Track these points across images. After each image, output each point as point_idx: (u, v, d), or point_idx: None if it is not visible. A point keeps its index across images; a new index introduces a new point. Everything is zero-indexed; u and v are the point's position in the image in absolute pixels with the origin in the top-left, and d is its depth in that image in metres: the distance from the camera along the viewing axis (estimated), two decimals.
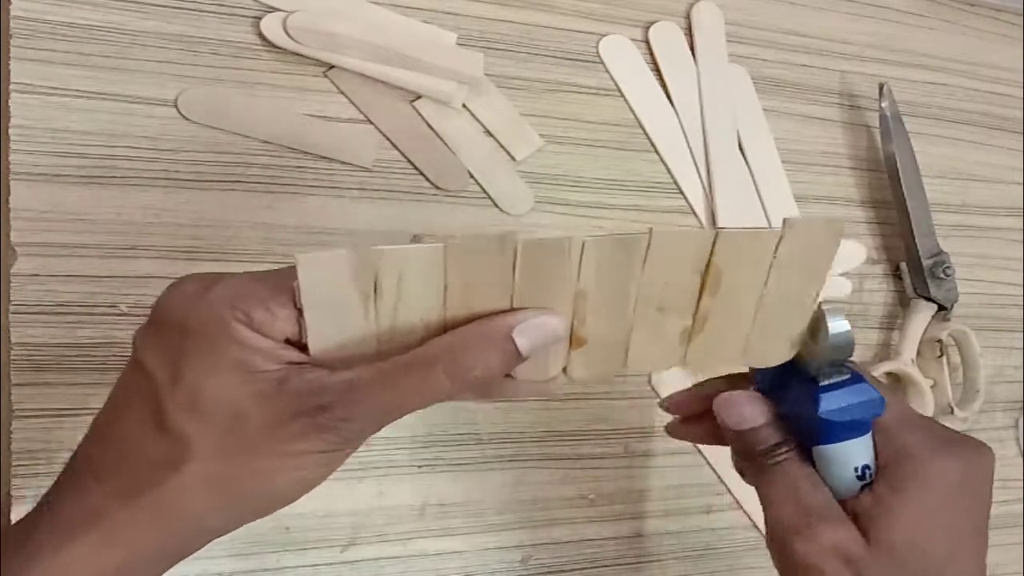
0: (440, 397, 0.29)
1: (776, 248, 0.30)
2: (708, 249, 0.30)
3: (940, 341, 0.56)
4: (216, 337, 0.28)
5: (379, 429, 0.29)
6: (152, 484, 0.28)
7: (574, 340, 0.31)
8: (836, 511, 0.33)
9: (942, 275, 0.56)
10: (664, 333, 0.32)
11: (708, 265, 0.30)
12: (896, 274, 0.58)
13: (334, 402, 0.28)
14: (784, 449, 0.34)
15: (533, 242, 0.28)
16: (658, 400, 0.39)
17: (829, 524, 0.32)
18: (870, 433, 0.33)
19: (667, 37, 0.54)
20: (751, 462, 0.35)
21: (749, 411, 0.34)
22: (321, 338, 0.29)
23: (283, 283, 0.29)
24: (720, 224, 0.52)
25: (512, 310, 0.29)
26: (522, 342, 0.29)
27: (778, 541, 0.33)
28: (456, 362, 0.29)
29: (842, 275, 0.56)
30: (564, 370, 0.32)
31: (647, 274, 0.30)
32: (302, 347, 0.29)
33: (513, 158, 0.49)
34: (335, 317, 0.28)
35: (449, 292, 0.28)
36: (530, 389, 0.32)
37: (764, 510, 0.35)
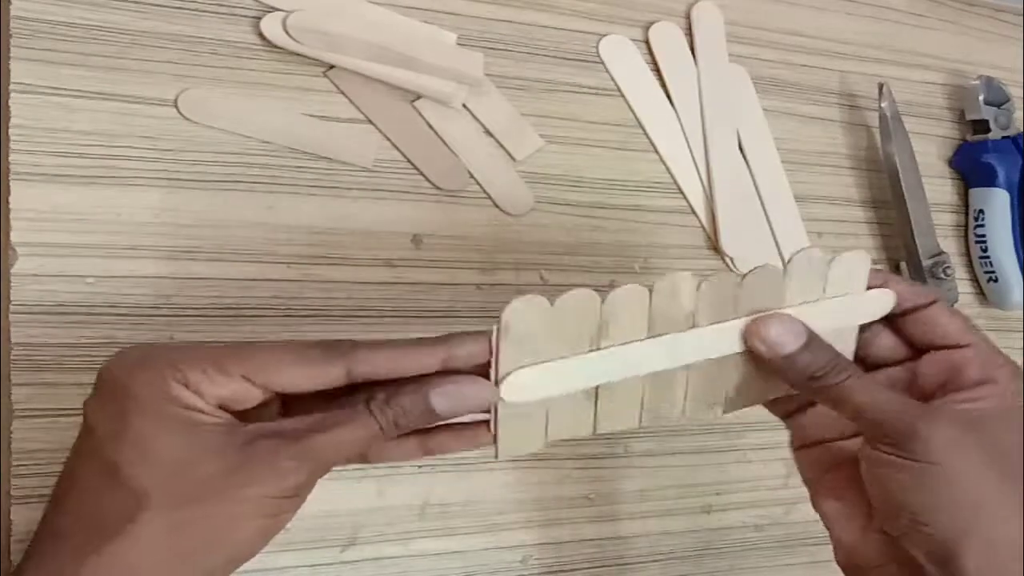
0: (370, 442, 0.32)
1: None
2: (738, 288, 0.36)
3: None
4: (156, 395, 0.29)
5: (326, 471, 0.31)
6: (112, 536, 0.28)
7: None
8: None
9: (942, 275, 0.56)
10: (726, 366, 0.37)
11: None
12: (896, 274, 0.58)
13: (286, 445, 0.30)
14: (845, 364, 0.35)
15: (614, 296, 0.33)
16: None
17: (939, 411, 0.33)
18: None
19: (667, 37, 0.54)
20: (821, 391, 0.35)
21: (783, 330, 0.35)
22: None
23: (223, 354, 0.31)
24: (721, 229, 0.52)
25: (443, 374, 0.32)
26: (438, 403, 0.31)
27: (895, 435, 0.33)
28: (386, 407, 0.31)
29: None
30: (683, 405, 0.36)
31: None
32: (233, 413, 0.31)
33: (513, 158, 0.49)
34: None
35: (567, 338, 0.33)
36: (464, 444, 0.35)
37: (859, 420, 0.34)
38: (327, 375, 0.31)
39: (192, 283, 0.42)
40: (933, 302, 0.36)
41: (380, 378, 0.32)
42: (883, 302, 0.36)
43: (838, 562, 0.36)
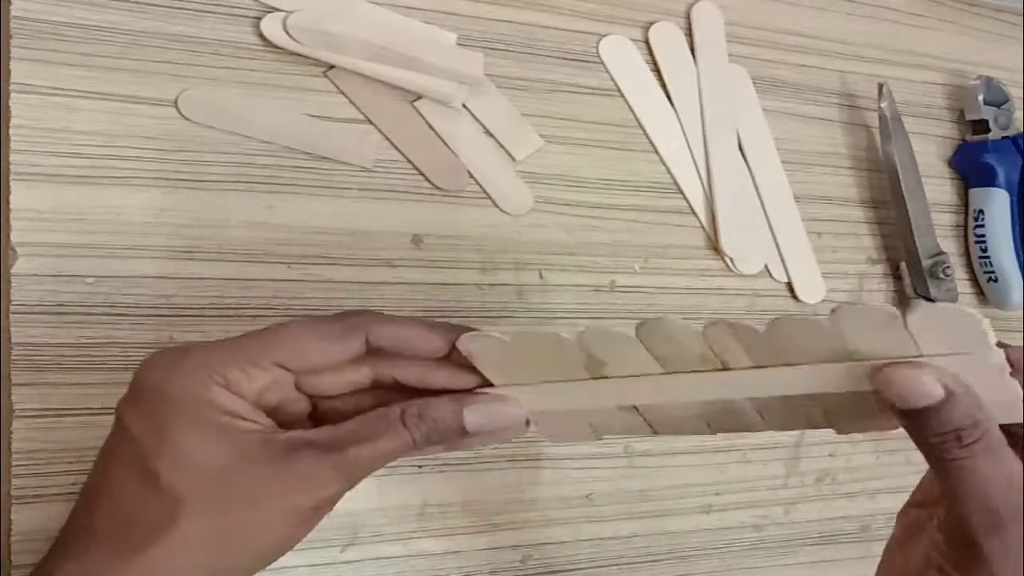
0: (404, 449, 0.32)
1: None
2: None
3: None
4: (196, 400, 0.30)
5: (357, 483, 0.32)
6: (151, 541, 0.29)
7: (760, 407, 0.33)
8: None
9: (942, 275, 0.56)
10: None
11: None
12: (896, 274, 0.58)
13: (323, 455, 0.31)
14: (972, 437, 0.28)
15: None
16: None
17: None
18: None
19: (667, 37, 0.54)
20: (924, 451, 0.29)
21: (924, 381, 0.27)
22: None
23: (253, 346, 0.32)
24: (721, 229, 0.52)
25: (476, 392, 0.34)
26: (470, 420, 0.33)
27: (961, 537, 0.28)
28: (420, 421, 0.32)
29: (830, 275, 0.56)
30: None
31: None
32: (271, 410, 0.32)
33: (513, 158, 0.49)
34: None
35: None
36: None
37: (950, 504, 0.29)
38: (347, 347, 0.32)
39: (192, 283, 0.42)
40: None
41: (392, 351, 0.33)
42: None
43: None
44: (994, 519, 0.27)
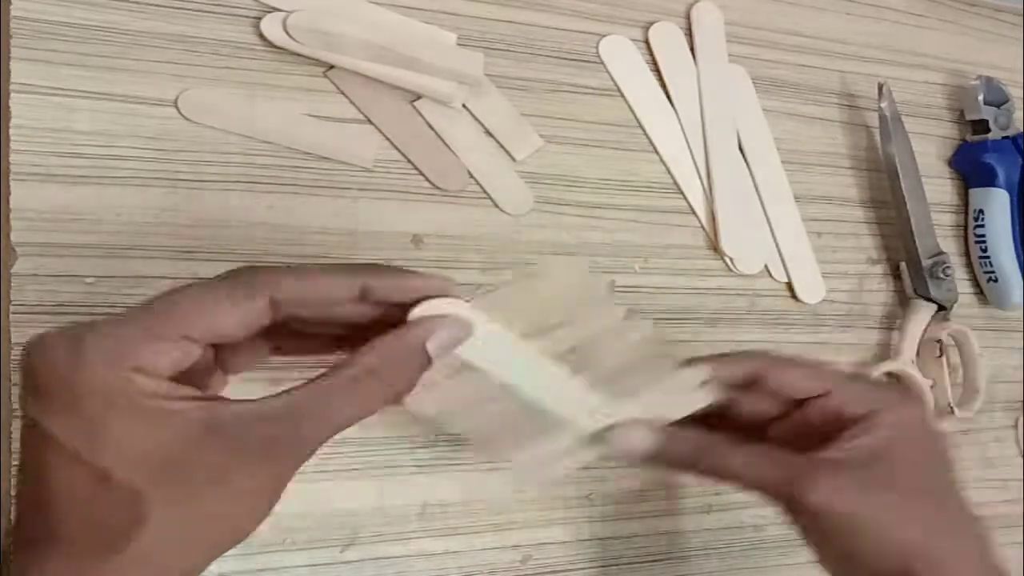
0: (375, 408, 0.30)
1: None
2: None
3: (940, 341, 0.56)
4: (115, 389, 0.27)
5: (320, 445, 0.30)
6: (126, 540, 0.27)
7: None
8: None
9: (942, 275, 0.56)
10: None
11: None
12: (896, 274, 0.58)
13: (277, 429, 0.29)
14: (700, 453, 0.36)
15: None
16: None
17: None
18: None
19: (667, 37, 0.54)
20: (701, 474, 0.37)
21: (633, 437, 0.37)
22: None
23: (156, 321, 0.29)
24: (721, 229, 0.52)
25: (419, 320, 0.32)
26: (432, 347, 0.31)
27: (782, 500, 0.35)
28: (384, 376, 0.30)
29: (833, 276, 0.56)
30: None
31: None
32: (186, 379, 0.29)
33: (513, 158, 0.49)
34: None
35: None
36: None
37: (748, 489, 0.36)
38: (253, 310, 0.30)
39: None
40: (760, 367, 0.37)
41: (304, 309, 0.31)
42: (700, 397, 0.37)
43: None
44: (783, 484, 0.34)
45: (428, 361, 0.31)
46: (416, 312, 0.31)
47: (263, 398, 0.29)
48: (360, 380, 0.30)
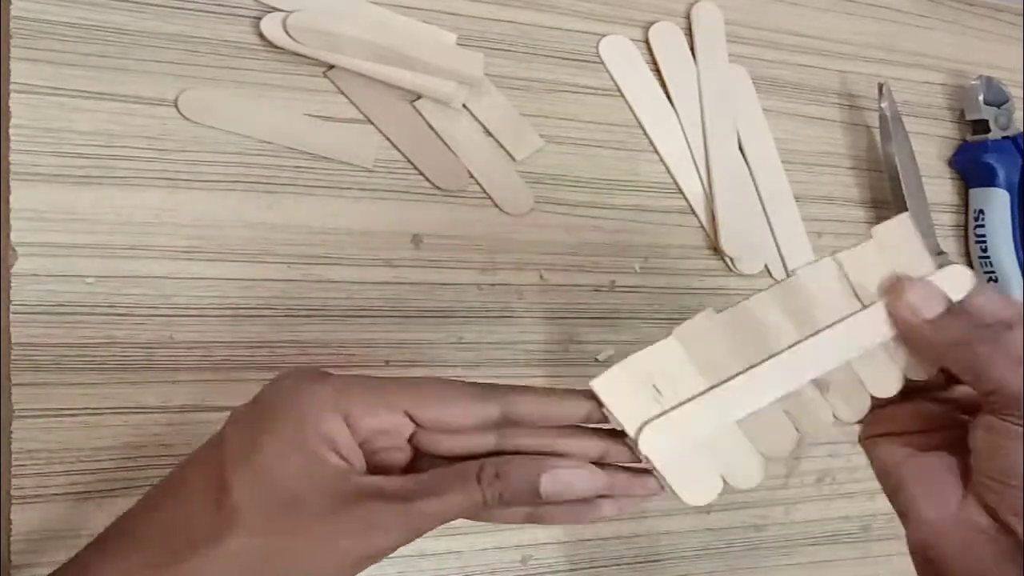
0: (474, 511, 0.31)
1: (883, 253, 0.34)
2: (842, 273, 0.34)
3: None
4: (303, 421, 0.29)
5: (420, 535, 0.31)
6: (193, 552, 0.28)
7: (821, 387, 0.34)
8: None
9: None
10: (876, 356, 0.35)
11: (852, 286, 0.34)
12: None
13: (390, 509, 0.30)
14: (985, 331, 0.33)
15: (729, 315, 0.33)
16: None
17: None
18: None
19: (667, 37, 0.54)
20: (961, 358, 0.33)
21: (926, 295, 0.33)
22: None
23: (392, 389, 0.31)
24: (721, 229, 0.52)
25: (556, 455, 0.32)
26: (546, 484, 0.31)
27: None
28: (496, 480, 0.31)
29: None
30: (833, 412, 0.35)
31: (821, 311, 0.34)
32: (371, 453, 0.31)
33: (513, 158, 0.49)
34: (639, 416, 0.32)
35: (702, 368, 0.33)
36: (575, 518, 0.34)
37: (992, 389, 0.33)
38: (484, 412, 0.32)
39: (192, 283, 0.42)
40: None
41: (530, 422, 0.32)
42: (960, 281, 0.34)
43: (913, 549, 0.36)
44: None
45: (537, 491, 0.31)
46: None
47: (393, 477, 0.31)
48: (483, 477, 0.31)
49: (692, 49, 0.54)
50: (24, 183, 0.40)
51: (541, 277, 0.49)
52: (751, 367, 0.33)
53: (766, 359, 0.33)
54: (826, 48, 0.58)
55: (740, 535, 0.52)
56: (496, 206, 0.48)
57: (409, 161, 0.47)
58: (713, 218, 0.53)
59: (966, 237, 0.61)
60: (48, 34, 0.41)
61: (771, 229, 0.54)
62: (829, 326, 0.34)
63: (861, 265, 0.34)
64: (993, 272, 0.59)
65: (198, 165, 0.43)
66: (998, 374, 0.33)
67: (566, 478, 0.32)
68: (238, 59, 0.44)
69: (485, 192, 0.48)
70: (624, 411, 0.32)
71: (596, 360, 0.49)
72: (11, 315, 0.39)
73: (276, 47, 0.45)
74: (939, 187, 0.60)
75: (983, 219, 0.59)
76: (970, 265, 0.60)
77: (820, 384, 0.34)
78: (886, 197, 0.57)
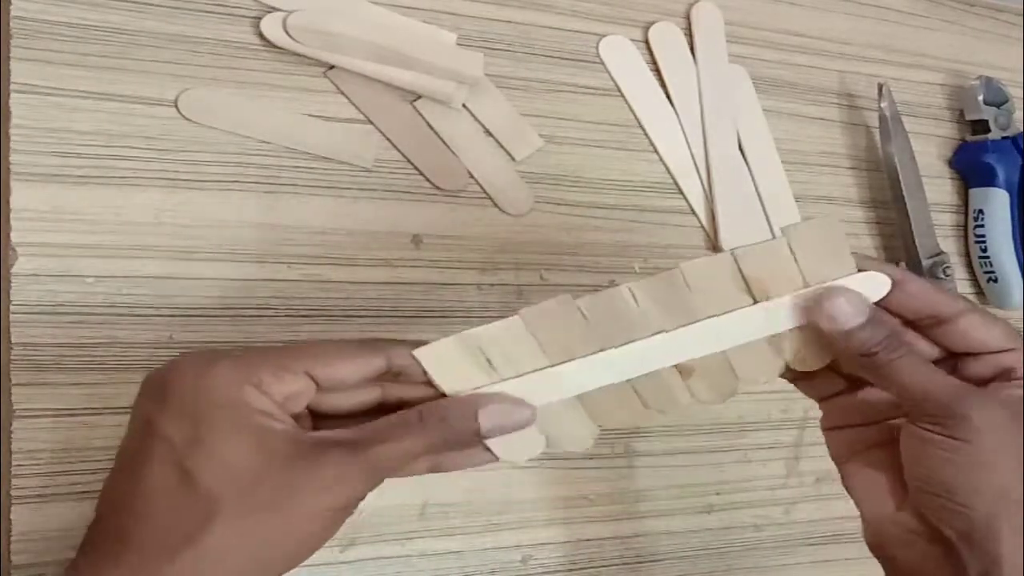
0: (423, 450, 0.32)
1: (792, 253, 0.34)
2: (736, 268, 0.33)
3: None
4: (232, 400, 0.30)
5: (379, 483, 0.32)
6: (186, 545, 0.29)
7: (683, 371, 0.35)
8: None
9: (942, 275, 0.56)
10: (756, 347, 0.35)
11: (746, 280, 0.34)
12: None
13: (351, 455, 0.31)
14: (905, 335, 0.34)
15: (589, 300, 0.33)
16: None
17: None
18: None
19: (667, 37, 0.54)
20: (871, 366, 0.34)
21: (848, 306, 0.34)
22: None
23: (285, 354, 0.32)
24: (721, 229, 0.52)
25: (493, 393, 0.34)
26: (484, 420, 0.33)
27: (941, 413, 0.33)
28: (439, 422, 0.33)
29: None
30: (692, 394, 0.36)
31: (702, 303, 0.34)
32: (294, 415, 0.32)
33: (513, 158, 0.49)
34: (466, 385, 0.34)
35: (546, 347, 0.34)
36: (477, 461, 0.36)
37: (904, 397, 0.34)
38: (374, 363, 0.33)
39: (192, 283, 0.42)
40: (962, 313, 0.35)
41: (409, 374, 0.34)
42: (875, 286, 0.34)
43: (866, 541, 0.37)
44: (956, 395, 0.33)
45: (477, 429, 0.33)
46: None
47: (342, 429, 0.32)
48: (426, 420, 0.33)
49: (692, 49, 0.54)
50: (24, 183, 0.40)
51: (541, 277, 0.49)
52: (601, 350, 0.34)
53: (622, 344, 0.34)
54: (826, 48, 0.58)
55: (740, 535, 0.52)
56: (496, 206, 0.48)
57: (409, 161, 0.47)
58: (713, 218, 0.53)
59: (966, 237, 0.61)
60: (48, 34, 0.41)
61: (771, 229, 0.54)
62: (707, 318, 0.34)
63: (762, 262, 0.34)
64: (993, 272, 0.59)
65: (198, 165, 0.43)
66: (907, 382, 0.33)
67: (502, 413, 0.33)
68: (238, 59, 0.44)
69: (485, 192, 0.48)
70: (447, 378, 0.33)
71: None
72: (11, 315, 0.39)
73: (276, 47, 0.45)
74: (939, 187, 0.60)
75: (983, 219, 0.59)
76: (970, 265, 0.60)
77: (682, 368, 0.35)
78: (886, 197, 0.57)
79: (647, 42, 0.53)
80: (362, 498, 0.32)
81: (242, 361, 0.31)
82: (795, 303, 0.34)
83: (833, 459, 0.39)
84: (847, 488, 0.38)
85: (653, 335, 0.34)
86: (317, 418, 0.34)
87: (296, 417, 0.33)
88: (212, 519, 0.29)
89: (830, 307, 0.33)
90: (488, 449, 0.35)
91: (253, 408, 0.30)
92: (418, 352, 0.33)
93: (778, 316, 0.34)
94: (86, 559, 0.30)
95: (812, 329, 0.35)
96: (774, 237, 0.34)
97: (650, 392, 0.35)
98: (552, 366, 0.34)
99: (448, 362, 0.33)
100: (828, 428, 0.39)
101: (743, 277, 0.34)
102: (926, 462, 0.33)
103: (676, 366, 0.35)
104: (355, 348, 0.33)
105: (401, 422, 0.33)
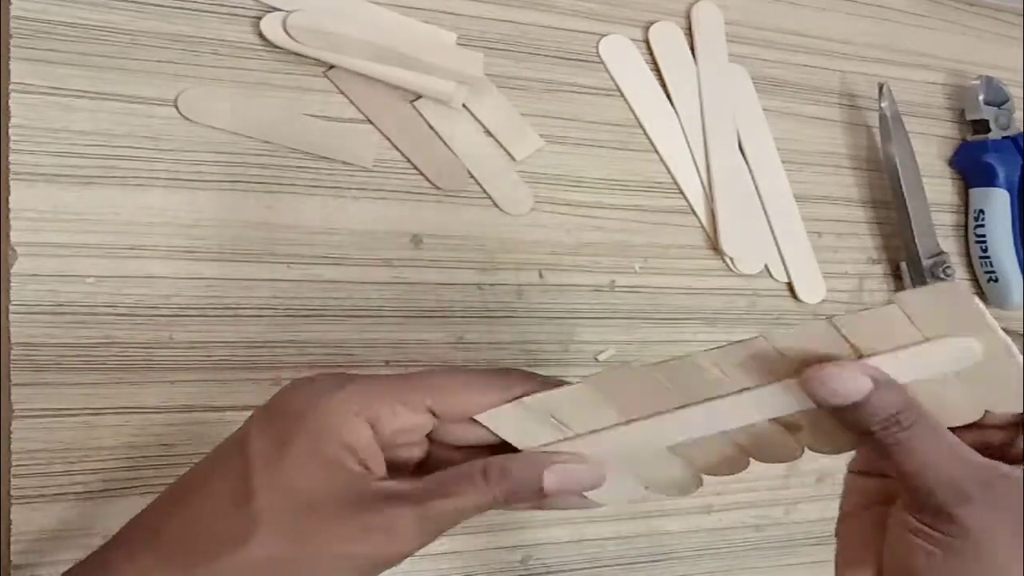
0: (485, 506, 0.31)
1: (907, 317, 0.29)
2: (839, 337, 0.30)
3: None
4: (326, 431, 0.30)
5: (434, 538, 0.31)
6: (215, 557, 0.28)
7: (791, 427, 0.32)
8: (989, 463, 0.30)
9: (942, 275, 0.56)
10: None
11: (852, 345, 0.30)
12: (896, 274, 0.58)
13: (407, 510, 0.30)
14: (909, 418, 0.30)
15: (661, 368, 0.31)
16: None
17: (996, 471, 0.30)
18: None
19: (667, 37, 0.54)
20: (873, 443, 0.31)
21: (851, 381, 0.29)
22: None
23: (411, 386, 0.31)
24: (721, 229, 0.52)
25: (561, 453, 0.33)
26: (549, 481, 0.32)
27: (934, 511, 0.30)
28: (501, 478, 0.31)
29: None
30: (809, 448, 0.33)
31: (792, 365, 0.30)
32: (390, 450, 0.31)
33: (513, 158, 0.49)
34: (537, 441, 0.32)
35: (621, 409, 0.32)
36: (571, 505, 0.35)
37: (907, 483, 0.31)
38: (506, 395, 0.32)
39: (192, 283, 0.42)
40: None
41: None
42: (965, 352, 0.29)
43: None
44: (959, 492, 0.29)
45: (541, 488, 0.32)
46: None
47: (405, 479, 0.31)
48: (489, 475, 0.31)
49: (692, 49, 0.54)
50: (24, 183, 0.40)
51: (541, 277, 0.49)
52: (684, 407, 0.32)
53: (705, 401, 0.31)
54: (826, 48, 0.58)
55: (740, 535, 0.52)
56: (496, 206, 0.48)
57: (409, 161, 0.47)
58: (713, 218, 0.53)
59: (966, 237, 0.61)
60: (48, 34, 0.41)
61: (771, 229, 0.54)
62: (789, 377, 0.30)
63: (868, 332, 0.29)
64: (993, 272, 0.59)
65: (198, 165, 0.43)
66: (914, 461, 0.30)
67: (568, 469, 0.32)
68: (238, 59, 0.44)
69: (485, 192, 0.48)
70: (517, 436, 0.32)
71: (596, 360, 0.49)
72: (11, 315, 0.39)
73: (276, 47, 0.45)
74: (939, 187, 0.60)
75: (983, 219, 0.59)
76: (970, 265, 0.60)
77: (790, 425, 0.32)
78: (886, 197, 0.57)
79: (647, 42, 0.53)
80: (412, 552, 0.31)
81: (362, 389, 0.30)
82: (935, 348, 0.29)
83: (841, 508, 0.36)
84: (836, 534, 0.36)
85: (740, 392, 0.31)
86: (433, 445, 0.33)
87: (406, 446, 0.32)
88: (248, 538, 0.28)
89: (825, 380, 0.29)
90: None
91: (341, 441, 0.30)
92: (481, 417, 0.32)
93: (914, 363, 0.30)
94: (110, 552, 0.30)
95: None
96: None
97: (754, 446, 0.33)
98: (629, 422, 0.32)
99: (516, 425, 0.32)
100: (856, 471, 0.37)
101: (848, 342, 0.30)
102: (913, 554, 0.31)
103: (782, 423, 0.32)
104: (484, 381, 0.32)
105: (465, 475, 0.31)
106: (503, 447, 0.33)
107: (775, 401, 0.31)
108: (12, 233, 0.39)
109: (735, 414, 0.32)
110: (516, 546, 0.47)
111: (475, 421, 0.32)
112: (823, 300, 0.55)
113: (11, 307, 0.39)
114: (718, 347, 0.30)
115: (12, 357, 0.39)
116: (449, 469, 0.32)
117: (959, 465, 0.30)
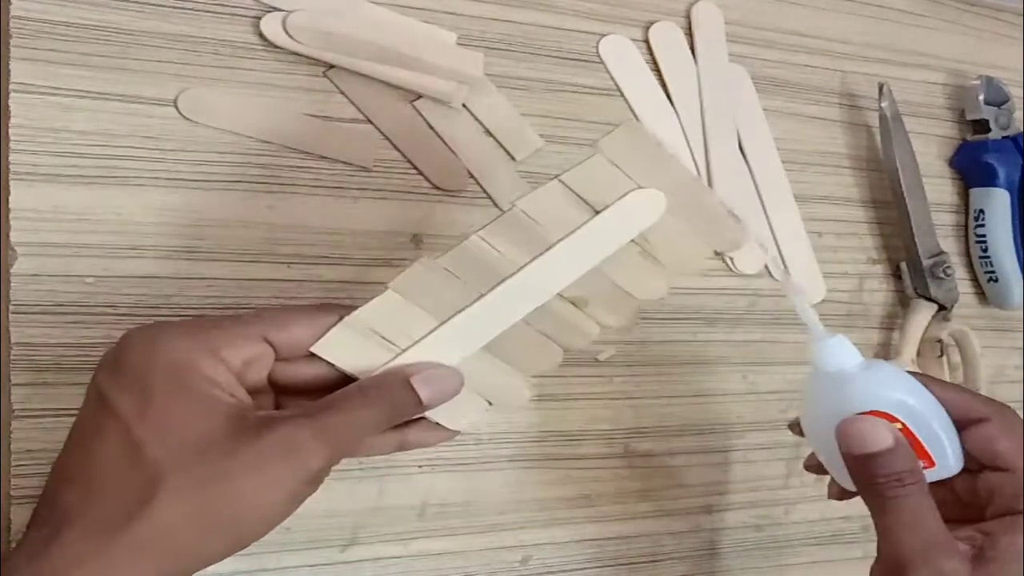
0: (372, 422, 0.32)
1: (613, 163, 0.35)
2: (569, 191, 0.35)
3: (940, 341, 0.56)
4: (182, 365, 0.30)
5: (340, 455, 0.31)
6: (130, 518, 0.28)
7: (578, 303, 0.36)
8: (953, 544, 0.34)
9: (942, 275, 0.56)
10: (629, 261, 0.36)
11: (583, 199, 0.35)
12: (896, 274, 0.58)
13: (301, 425, 0.30)
14: (912, 479, 0.34)
15: (449, 257, 0.34)
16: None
17: (949, 558, 0.33)
18: None
19: (667, 37, 0.54)
20: (869, 490, 0.35)
21: (872, 433, 0.34)
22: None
23: (241, 319, 0.32)
24: None
25: (413, 363, 0.34)
26: (423, 391, 0.33)
27: (892, 571, 0.34)
28: (380, 394, 0.33)
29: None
30: (597, 322, 0.37)
31: (553, 230, 0.35)
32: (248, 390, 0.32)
33: (513, 158, 0.49)
34: (374, 363, 0.34)
35: (431, 310, 0.35)
36: (441, 436, 0.37)
37: (880, 537, 0.35)
38: (326, 326, 0.33)
39: (192, 283, 0.42)
40: (989, 418, 0.35)
41: None
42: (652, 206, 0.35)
43: None
44: (927, 550, 0.33)
45: (418, 400, 0.34)
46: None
47: (289, 408, 0.32)
48: (366, 392, 0.33)
49: (692, 49, 0.54)
50: (24, 183, 0.40)
51: None
52: (482, 296, 0.35)
53: (497, 285, 0.35)
54: (826, 48, 0.58)
55: (740, 535, 0.52)
56: (496, 206, 0.48)
57: (409, 161, 0.47)
58: None
59: (966, 237, 0.61)
60: (48, 34, 0.41)
61: (771, 229, 0.54)
62: (562, 239, 0.35)
63: (590, 181, 0.35)
64: (993, 272, 0.59)
65: (198, 165, 0.43)
66: (894, 521, 0.34)
67: (435, 378, 0.34)
68: (238, 59, 0.44)
69: (485, 192, 0.48)
70: (354, 365, 0.33)
71: (596, 360, 0.49)
72: (11, 315, 0.39)
73: (276, 47, 0.45)
74: (939, 187, 0.60)
75: (983, 219, 0.59)
76: (970, 265, 0.60)
77: (577, 300, 0.36)
78: (886, 197, 0.57)
79: (647, 42, 0.53)
80: (323, 471, 0.31)
81: (195, 328, 0.31)
82: (633, 201, 0.35)
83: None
84: None
85: (519, 270, 0.35)
86: (281, 395, 0.34)
87: (257, 391, 0.32)
88: (156, 491, 0.28)
89: (856, 432, 0.34)
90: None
91: (203, 376, 0.30)
92: (315, 348, 0.33)
93: (625, 219, 0.35)
94: (38, 534, 0.29)
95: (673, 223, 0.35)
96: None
97: (555, 331, 0.36)
98: (441, 324, 0.34)
99: (347, 348, 0.33)
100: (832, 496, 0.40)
101: (581, 199, 0.35)
102: None
103: (569, 300, 0.35)
104: (310, 311, 0.34)
105: (343, 395, 0.32)
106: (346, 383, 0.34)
107: (553, 272, 0.35)
108: (12, 233, 0.39)
109: (525, 295, 0.35)
110: (516, 546, 0.47)
111: (313, 355, 0.33)
112: (823, 300, 0.55)
113: (11, 307, 0.39)
114: (482, 225, 0.34)
115: (12, 357, 0.39)
116: (333, 392, 0.32)
117: (927, 534, 0.33)
